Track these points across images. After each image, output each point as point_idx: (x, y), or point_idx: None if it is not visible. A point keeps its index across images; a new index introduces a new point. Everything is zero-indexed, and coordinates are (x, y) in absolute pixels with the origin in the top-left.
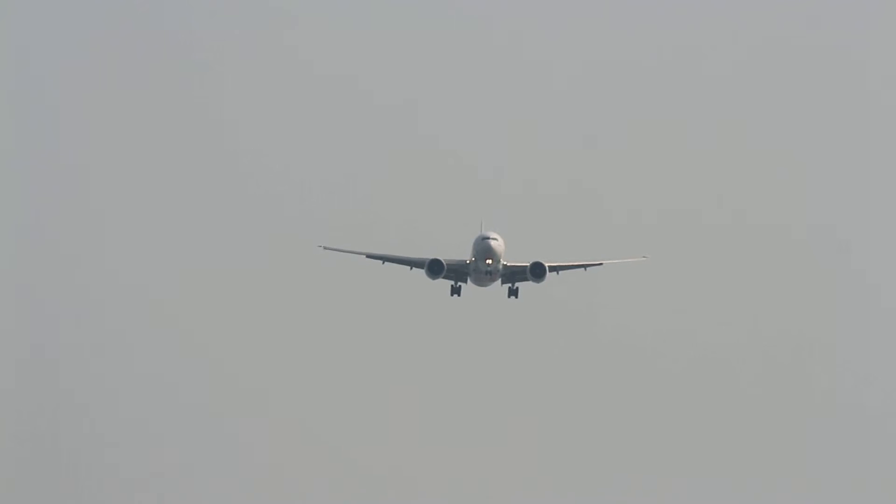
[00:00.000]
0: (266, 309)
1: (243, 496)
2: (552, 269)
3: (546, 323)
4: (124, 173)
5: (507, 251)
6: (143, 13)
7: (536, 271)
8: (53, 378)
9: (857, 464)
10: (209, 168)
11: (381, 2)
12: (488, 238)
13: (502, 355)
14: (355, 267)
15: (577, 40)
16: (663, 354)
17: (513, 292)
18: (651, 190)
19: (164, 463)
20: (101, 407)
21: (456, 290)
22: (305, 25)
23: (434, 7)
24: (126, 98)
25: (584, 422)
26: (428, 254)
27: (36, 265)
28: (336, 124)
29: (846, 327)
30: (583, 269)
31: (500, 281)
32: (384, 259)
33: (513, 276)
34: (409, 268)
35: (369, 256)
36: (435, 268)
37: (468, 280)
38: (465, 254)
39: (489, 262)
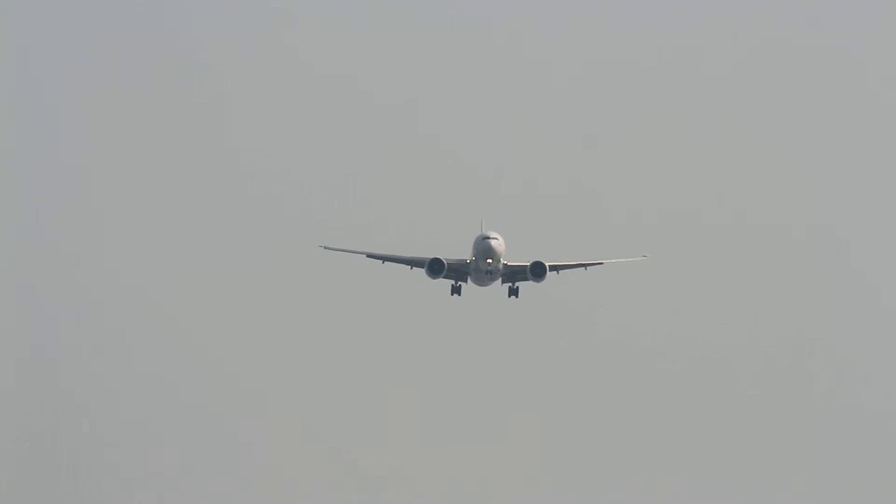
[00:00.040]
0: (267, 309)
1: (243, 496)
2: (552, 268)
3: (546, 323)
4: (124, 173)
5: (508, 251)
6: (143, 13)
7: (537, 271)
8: (53, 378)
9: (857, 464)
10: (209, 168)
11: (381, 2)
12: (489, 237)
13: (502, 355)
14: (355, 267)
15: (577, 40)
16: (663, 354)
17: (513, 292)
18: (651, 190)
19: (164, 463)
20: (102, 407)
21: (456, 290)
22: (305, 25)
23: (434, 7)
24: (126, 98)
25: (584, 421)
26: (428, 253)
27: (36, 265)
28: (336, 124)
29: (846, 327)
30: (583, 268)
31: (500, 280)
32: (384, 259)
33: (513, 275)
34: (409, 267)
35: (369, 256)
36: (435, 267)
37: (468, 279)
38: (465, 253)
39: (489, 261)
